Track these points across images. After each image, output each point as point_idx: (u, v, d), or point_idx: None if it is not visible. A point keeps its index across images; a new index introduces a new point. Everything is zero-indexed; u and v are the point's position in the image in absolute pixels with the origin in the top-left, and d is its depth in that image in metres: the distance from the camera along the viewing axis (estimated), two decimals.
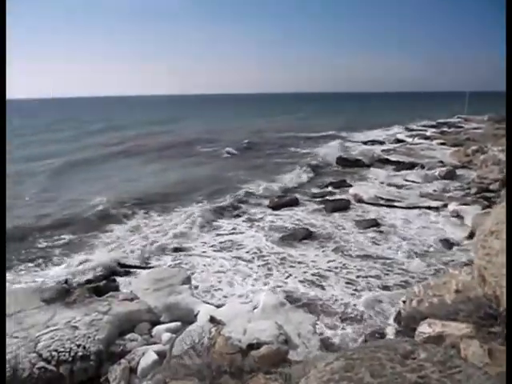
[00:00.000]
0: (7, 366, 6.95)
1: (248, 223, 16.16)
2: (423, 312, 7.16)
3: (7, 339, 7.59)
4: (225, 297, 10.41)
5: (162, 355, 7.58)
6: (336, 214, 16.78)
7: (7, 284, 11.24)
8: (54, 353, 7.37)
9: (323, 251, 13.06)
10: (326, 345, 8.17)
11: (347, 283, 10.87)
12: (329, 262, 12.26)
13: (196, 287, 10.66)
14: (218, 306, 9.41)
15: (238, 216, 17.12)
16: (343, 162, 28.29)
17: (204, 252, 13.35)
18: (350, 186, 21.46)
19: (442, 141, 37.02)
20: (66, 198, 20.58)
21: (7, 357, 7.15)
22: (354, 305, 9.79)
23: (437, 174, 22.93)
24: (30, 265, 12.61)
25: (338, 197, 19.58)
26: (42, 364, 7.23)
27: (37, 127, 61.51)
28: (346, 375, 2.30)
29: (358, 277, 11.19)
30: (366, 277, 11.16)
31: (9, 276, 11.75)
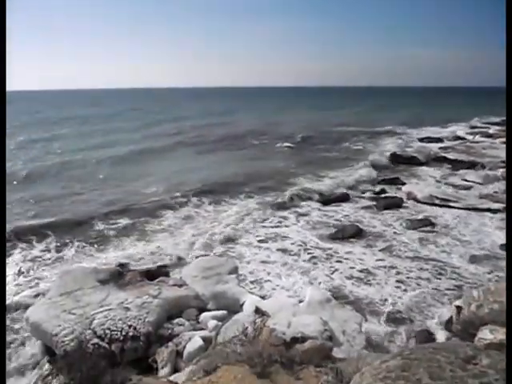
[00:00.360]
0: (68, 338, 7.41)
1: (298, 217, 16.06)
2: (483, 317, 6.81)
3: (66, 315, 8.08)
4: (273, 289, 10.45)
5: (207, 341, 7.76)
6: (387, 212, 16.31)
7: (68, 264, 11.97)
8: (107, 331, 7.74)
9: (371, 249, 12.75)
10: (372, 344, 8.00)
11: (395, 284, 10.56)
12: (377, 260, 11.95)
13: (243, 277, 10.79)
14: (264, 298, 9.48)
15: (287, 209, 17.06)
16: (397, 158, 27.29)
17: (252, 243, 13.45)
18: (404, 183, 20.76)
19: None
20: (126, 185, 21.46)
21: (64, 332, 7.63)
22: (402, 304, 9.51)
23: (499, 174, 21.60)
24: (89, 246, 13.33)
25: (390, 194, 19.00)
26: (96, 341, 7.60)
27: (101, 117, 64.00)
28: (402, 374, 2.22)
29: (408, 278, 10.83)
30: (416, 278, 10.77)
31: (70, 254, 12.61)
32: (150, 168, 25.73)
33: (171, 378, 6.56)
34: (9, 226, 13.53)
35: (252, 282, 10.80)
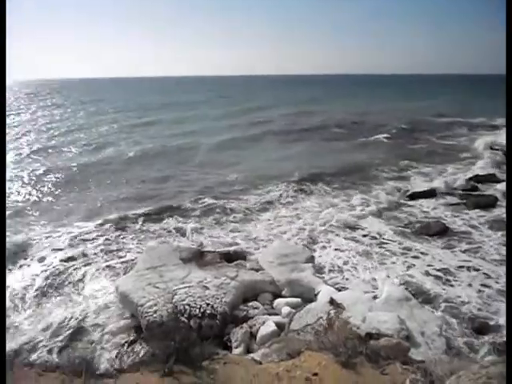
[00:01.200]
0: (152, 310, 7.94)
1: (381, 211, 15.42)
2: None
3: (150, 288, 8.64)
4: (346, 279, 10.24)
5: (280, 327, 7.85)
6: (478, 211, 15.08)
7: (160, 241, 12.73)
8: (186, 307, 8.15)
9: (456, 249, 11.92)
10: (453, 350, 7.49)
11: (479, 288, 9.78)
12: (460, 261, 11.15)
13: (319, 267, 10.69)
14: (339, 290, 9.31)
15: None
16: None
17: (331, 233, 13.24)
18: (500, 181, 18.93)
19: None
20: (216, 170, 22.18)
21: (149, 303, 8.16)
22: (487, 311, 8.81)
23: None
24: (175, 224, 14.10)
25: (483, 192, 17.50)
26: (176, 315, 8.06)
27: (191, 103, 66.09)
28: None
29: (496, 283, 9.97)
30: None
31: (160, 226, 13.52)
32: (243, 155, 25.89)
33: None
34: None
35: (330, 271, 10.67)
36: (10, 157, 24.97)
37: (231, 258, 10.58)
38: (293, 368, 4.57)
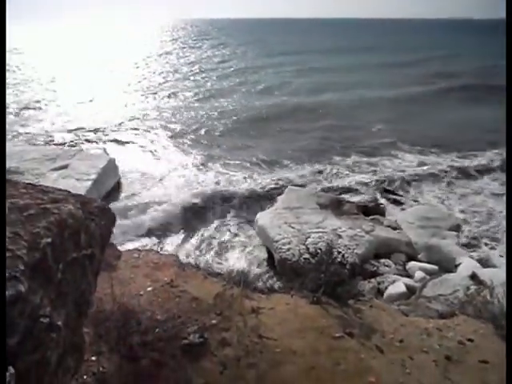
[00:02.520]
0: (285, 247, 8.34)
1: None
2: None
3: (286, 227, 9.02)
4: (501, 256, 9.18)
5: (410, 290, 7.54)
6: None
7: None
8: (318, 250, 8.32)
9: None
10: None
11: None
12: None
13: (465, 237, 9.78)
14: (485, 266, 8.43)
15: None
16: None
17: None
18: None
19: None
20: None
21: (283, 241, 8.56)
22: None
23: None
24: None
25: None
26: (307, 256, 8.31)
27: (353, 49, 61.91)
28: None
29: None
30: None
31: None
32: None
33: None
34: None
35: (472, 245, 9.69)
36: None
37: (369, 211, 10.30)
38: (444, 328, 4.33)
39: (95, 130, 18.41)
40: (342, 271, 5.13)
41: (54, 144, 16.23)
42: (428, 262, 8.51)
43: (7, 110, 20.87)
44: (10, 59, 40.96)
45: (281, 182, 12.61)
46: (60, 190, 2.82)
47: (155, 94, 27.74)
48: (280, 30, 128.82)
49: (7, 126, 17.29)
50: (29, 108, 22.71)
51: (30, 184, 2.83)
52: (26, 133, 17.81)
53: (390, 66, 41.05)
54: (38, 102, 24.37)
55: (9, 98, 23.98)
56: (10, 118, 19.95)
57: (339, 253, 8.15)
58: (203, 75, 35.33)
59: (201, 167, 14.40)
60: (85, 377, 2.59)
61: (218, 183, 12.86)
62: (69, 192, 2.87)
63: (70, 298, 2.18)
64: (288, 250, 8.34)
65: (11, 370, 1.51)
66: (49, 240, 2.01)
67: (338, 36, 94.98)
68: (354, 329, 3.82)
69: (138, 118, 20.79)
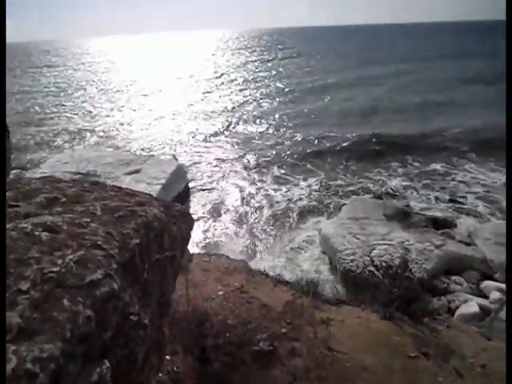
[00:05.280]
0: (349, 258, 8.13)
1: None
2: None
3: (350, 238, 8.79)
4: None
5: (484, 310, 7.02)
6: None
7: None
8: (383, 263, 8.01)
9: None
10: None
11: None
12: None
13: None
14: None
15: None
16: None
17: None
18: None
19: None
20: None
21: (347, 251, 8.34)
22: None
23: None
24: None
25: None
26: (371, 268, 8.05)
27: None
28: None
29: None
30: None
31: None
32: None
33: None
34: None
35: None
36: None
37: (439, 224, 9.77)
38: None
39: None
40: (415, 287, 4.86)
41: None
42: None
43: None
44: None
45: None
46: (143, 193, 2.92)
47: None
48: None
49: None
50: None
51: (116, 187, 2.96)
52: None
53: None
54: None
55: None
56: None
57: (406, 267, 7.86)
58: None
59: None
60: (160, 374, 2.65)
61: None
62: (151, 195, 2.97)
63: (154, 297, 2.25)
64: (352, 261, 8.13)
65: (107, 363, 1.57)
66: (137, 241, 2.08)
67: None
68: (430, 349, 3.58)
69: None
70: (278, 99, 28.38)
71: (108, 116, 24.50)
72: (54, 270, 1.52)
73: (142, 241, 2.07)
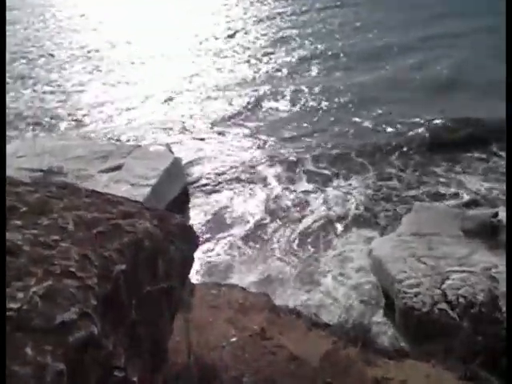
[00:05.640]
0: (413, 291, 8.07)
1: None
2: None
3: (414, 262, 8.72)
4: None
5: None
6: None
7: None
8: (460, 299, 7.91)
9: None
10: None
11: None
12: None
13: None
14: None
15: None
16: None
17: None
18: None
19: None
20: None
21: (410, 281, 8.28)
22: None
23: None
24: None
25: None
26: (443, 306, 7.94)
27: None
28: None
29: None
30: None
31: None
32: None
33: None
34: None
35: None
36: None
37: None
38: None
39: None
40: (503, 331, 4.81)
41: None
42: None
43: None
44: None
45: None
46: (130, 200, 2.96)
47: None
48: None
49: None
50: None
51: (94, 192, 3.01)
52: None
53: None
54: None
55: None
56: None
57: (493, 305, 7.75)
58: None
59: None
60: None
61: None
62: (142, 204, 3.01)
63: (145, 345, 2.28)
64: (416, 295, 8.04)
65: None
66: (122, 267, 2.11)
67: None
68: None
69: None
70: (315, 68, 28.26)
71: (81, 92, 24.84)
72: (14, 307, 1.56)
73: (129, 267, 2.10)
